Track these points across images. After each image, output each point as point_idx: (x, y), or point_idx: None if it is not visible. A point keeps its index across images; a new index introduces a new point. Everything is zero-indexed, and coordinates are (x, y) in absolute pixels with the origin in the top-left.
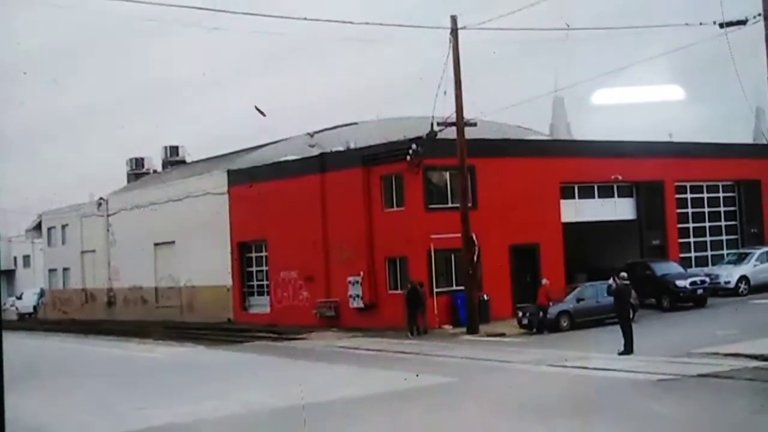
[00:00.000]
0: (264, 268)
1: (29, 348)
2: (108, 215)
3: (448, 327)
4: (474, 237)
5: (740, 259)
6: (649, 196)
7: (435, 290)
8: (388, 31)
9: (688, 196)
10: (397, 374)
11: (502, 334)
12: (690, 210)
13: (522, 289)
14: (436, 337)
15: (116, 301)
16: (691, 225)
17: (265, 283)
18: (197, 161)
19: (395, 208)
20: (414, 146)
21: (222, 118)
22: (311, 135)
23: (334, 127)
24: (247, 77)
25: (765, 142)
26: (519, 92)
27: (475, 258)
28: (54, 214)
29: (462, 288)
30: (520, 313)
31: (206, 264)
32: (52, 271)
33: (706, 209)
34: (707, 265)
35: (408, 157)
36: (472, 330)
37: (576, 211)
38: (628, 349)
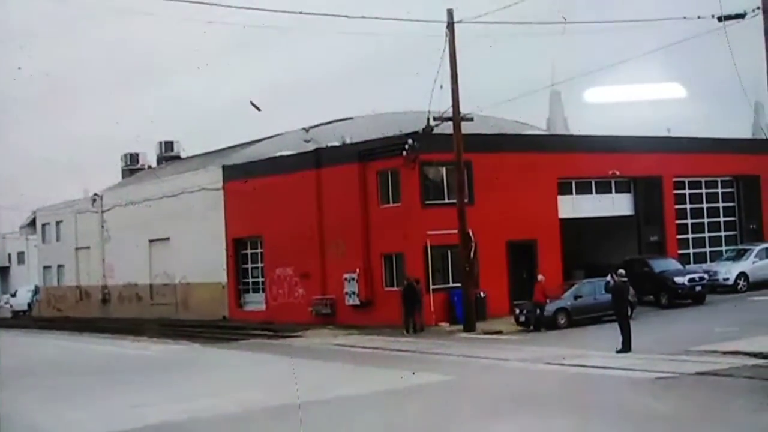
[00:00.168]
0: (259, 264)
1: (23, 345)
2: (102, 211)
3: (444, 324)
4: (471, 233)
5: (739, 255)
6: (647, 191)
7: (431, 287)
8: (384, 24)
9: (687, 191)
10: (393, 372)
11: (499, 332)
12: (688, 206)
13: (519, 286)
14: (433, 334)
15: (111, 298)
16: (689, 221)
17: (260, 279)
18: (192, 157)
19: (391, 204)
20: (410, 141)
21: (217, 113)
22: (306, 130)
23: (330, 122)
24: (242, 72)
25: (764, 137)
26: (516, 87)
27: (472, 254)
28: (48, 211)
29: (459, 285)
30: (517, 310)
31: (201, 260)
32: (46, 268)
33: (705, 205)
34: (706, 262)
35: (404, 153)
36: (469, 327)
37: (573, 206)
38: (626, 346)
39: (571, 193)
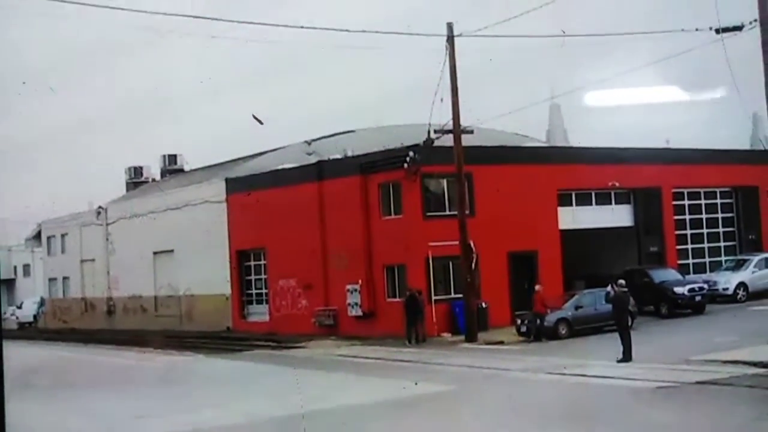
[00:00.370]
0: (263, 276)
1: (29, 357)
2: (107, 224)
3: (446, 335)
4: (472, 244)
5: (738, 265)
6: (647, 202)
7: (433, 298)
8: (385, 39)
9: (686, 202)
10: (395, 382)
11: (501, 342)
12: (688, 216)
13: (520, 297)
14: (435, 345)
15: (116, 310)
16: (688, 232)
17: (263, 291)
18: (195, 170)
19: (393, 216)
20: (411, 154)
21: (220, 126)
22: (309, 143)
23: (332, 135)
24: (245, 85)
25: (762, 148)
26: (516, 99)
27: (473, 265)
28: (53, 223)
29: (460, 296)
30: (519, 321)
31: (205, 272)
32: (51, 280)
33: (704, 216)
34: (705, 272)
35: (405, 165)
36: (471, 338)
37: (573, 218)
38: (626, 356)
39: (571, 205)
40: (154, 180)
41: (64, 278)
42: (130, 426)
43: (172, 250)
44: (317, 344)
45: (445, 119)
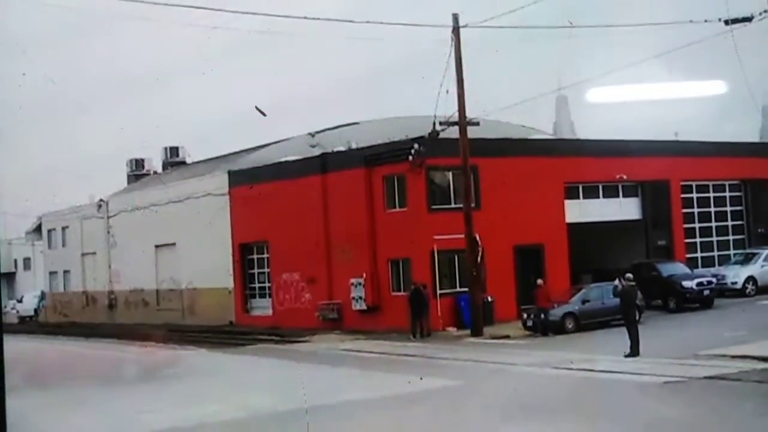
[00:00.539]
0: (266, 269)
1: (30, 351)
2: (108, 217)
3: (451, 329)
4: (477, 238)
5: (747, 259)
6: (655, 195)
7: (438, 292)
8: (389, 29)
9: (694, 195)
10: (400, 377)
11: (507, 336)
12: (696, 210)
13: (526, 291)
14: (440, 339)
15: (117, 304)
16: (697, 225)
17: (267, 285)
18: (198, 162)
19: (398, 209)
20: (416, 146)
21: (222, 118)
22: (312, 135)
23: (336, 127)
24: (247, 76)
25: None
26: (522, 91)
27: (479, 259)
28: (54, 216)
29: (466, 289)
30: (525, 315)
31: (207, 266)
32: (52, 273)
33: (713, 209)
34: (714, 266)
35: (410, 157)
36: (476, 332)
37: (580, 211)
38: (634, 350)
39: (578, 198)
40: (155, 172)
41: (65, 272)
42: (132, 420)
43: (174, 244)
44: (321, 338)
45: (451, 111)
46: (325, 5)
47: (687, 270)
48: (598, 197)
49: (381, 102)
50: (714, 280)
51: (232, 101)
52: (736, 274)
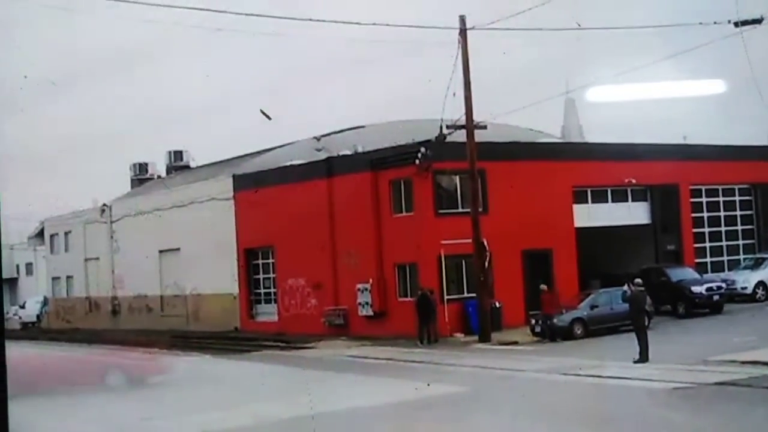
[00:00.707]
0: (271, 275)
1: (32, 357)
2: (111, 222)
3: (459, 335)
4: (485, 242)
5: (757, 264)
6: (664, 199)
7: (446, 297)
8: (396, 32)
9: (704, 199)
10: (407, 384)
11: (515, 342)
12: (705, 214)
13: (535, 296)
14: (447, 345)
15: (121, 310)
16: (706, 229)
17: (272, 290)
18: (202, 166)
19: (404, 214)
20: (423, 150)
21: (227, 122)
22: (318, 139)
23: (342, 131)
24: (252, 80)
25: None
26: (530, 94)
27: (487, 264)
28: (56, 221)
29: (473, 295)
30: (533, 321)
31: (212, 271)
32: (55, 279)
33: (722, 213)
34: (723, 271)
35: (417, 161)
36: (484, 338)
37: (589, 215)
38: (643, 356)
39: (586, 202)
40: (159, 177)
41: (68, 277)
42: (136, 427)
43: (178, 249)
44: (327, 344)
45: (458, 114)
46: (331, 8)
47: (696, 275)
48: (606, 201)
49: (387, 105)
50: (723, 285)
51: (237, 104)
52: (746, 279)
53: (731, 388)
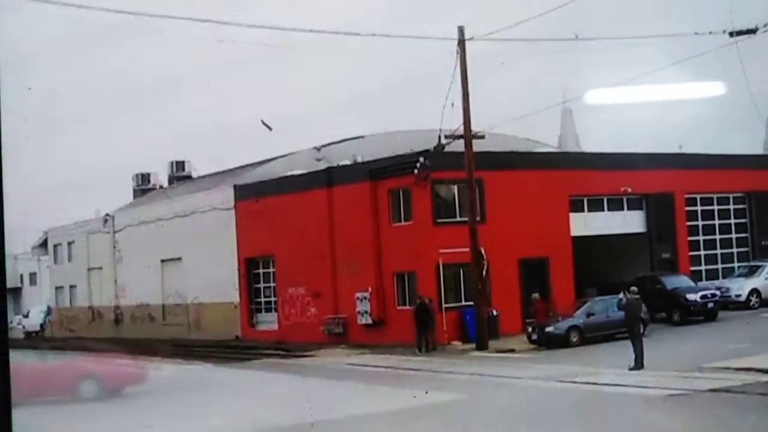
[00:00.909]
0: (271, 284)
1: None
2: (114, 232)
3: (457, 343)
4: (483, 251)
5: (751, 272)
6: (659, 208)
7: (444, 306)
8: (395, 43)
9: (699, 208)
10: (406, 391)
11: (512, 350)
12: (700, 222)
13: (531, 304)
14: (445, 353)
15: (123, 319)
16: (701, 238)
17: (272, 299)
18: (203, 176)
19: (403, 223)
20: (421, 159)
21: (228, 132)
22: (318, 149)
23: (341, 141)
24: (254, 91)
25: None
26: (527, 104)
27: (484, 273)
28: (60, 231)
29: (471, 303)
30: (530, 329)
31: (213, 280)
32: (58, 288)
33: (717, 221)
34: (718, 279)
35: (415, 171)
36: (482, 346)
37: (585, 224)
38: (638, 363)
39: (583, 211)
40: (161, 187)
41: (71, 287)
42: None
43: (180, 258)
44: (327, 353)
45: (456, 124)
46: (330, 19)
47: (691, 283)
48: (602, 210)
49: (386, 115)
50: (718, 292)
51: (237, 115)
52: (740, 287)
53: (725, 395)
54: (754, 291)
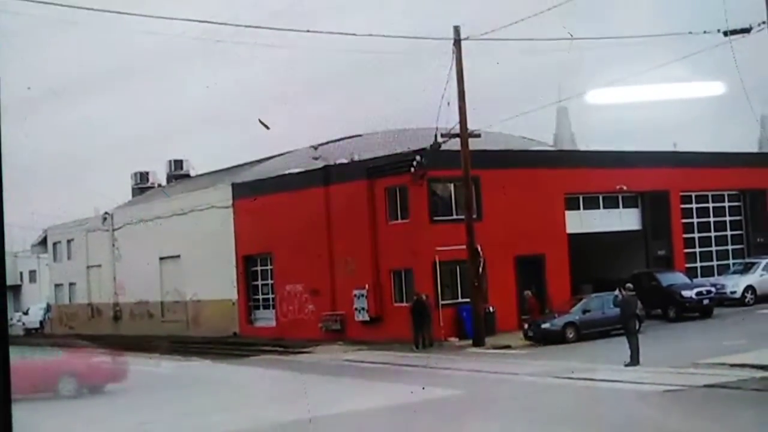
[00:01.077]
0: (269, 281)
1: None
2: (113, 230)
3: (453, 339)
4: (479, 248)
5: (746, 268)
6: (654, 206)
7: (440, 302)
8: (391, 42)
9: (694, 205)
10: (403, 387)
11: (508, 346)
12: (695, 220)
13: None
14: (442, 349)
15: (122, 316)
16: (696, 235)
17: (270, 296)
18: (201, 175)
19: (400, 220)
20: (418, 158)
21: (226, 131)
22: (315, 147)
23: (338, 140)
24: (251, 90)
25: None
26: (523, 102)
27: (480, 270)
28: (59, 229)
29: (467, 300)
30: (526, 325)
31: (211, 278)
32: (58, 286)
33: (712, 219)
34: (713, 275)
35: (412, 169)
36: (478, 342)
37: (581, 221)
38: (634, 360)
39: (578, 208)
40: (160, 185)
41: (71, 284)
42: None
43: (178, 256)
44: (324, 349)
45: (452, 123)
46: (327, 20)
47: (686, 280)
48: (598, 208)
49: (383, 114)
50: (713, 289)
51: (235, 114)
52: (736, 284)
53: (721, 391)
54: (750, 288)
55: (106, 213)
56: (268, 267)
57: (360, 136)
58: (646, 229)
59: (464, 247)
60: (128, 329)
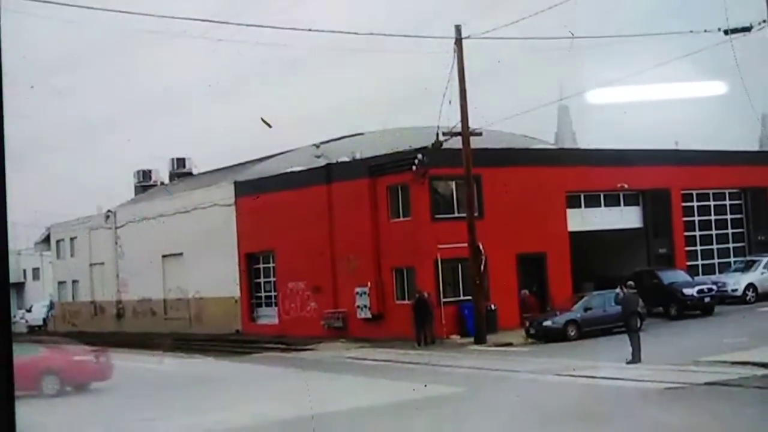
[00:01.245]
0: (272, 279)
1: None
2: (116, 228)
3: (455, 337)
4: (481, 246)
5: (747, 266)
6: (656, 204)
7: (442, 300)
8: (393, 41)
9: (695, 204)
10: (405, 384)
11: (510, 344)
12: (696, 218)
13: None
14: (444, 347)
15: (125, 313)
16: (697, 233)
17: (272, 294)
18: (204, 173)
19: (402, 218)
20: (420, 156)
21: (228, 129)
22: (317, 146)
23: (340, 138)
24: (253, 88)
25: None
26: (524, 101)
27: (482, 267)
28: (62, 227)
29: (469, 298)
30: (527, 323)
31: (214, 275)
32: (61, 283)
33: (713, 217)
34: (714, 273)
35: (414, 167)
36: (480, 340)
37: (582, 219)
38: (635, 357)
39: (580, 207)
40: (162, 183)
41: (74, 281)
42: (139, 428)
43: (181, 254)
44: (326, 347)
45: (454, 121)
46: (330, 18)
47: (688, 277)
48: (599, 206)
49: (385, 113)
50: (714, 287)
51: (237, 112)
52: (737, 282)
53: (722, 388)
54: (751, 285)
55: (109, 211)
56: (271, 264)
57: (362, 134)
58: (647, 227)
59: (466, 245)
60: (131, 327)
